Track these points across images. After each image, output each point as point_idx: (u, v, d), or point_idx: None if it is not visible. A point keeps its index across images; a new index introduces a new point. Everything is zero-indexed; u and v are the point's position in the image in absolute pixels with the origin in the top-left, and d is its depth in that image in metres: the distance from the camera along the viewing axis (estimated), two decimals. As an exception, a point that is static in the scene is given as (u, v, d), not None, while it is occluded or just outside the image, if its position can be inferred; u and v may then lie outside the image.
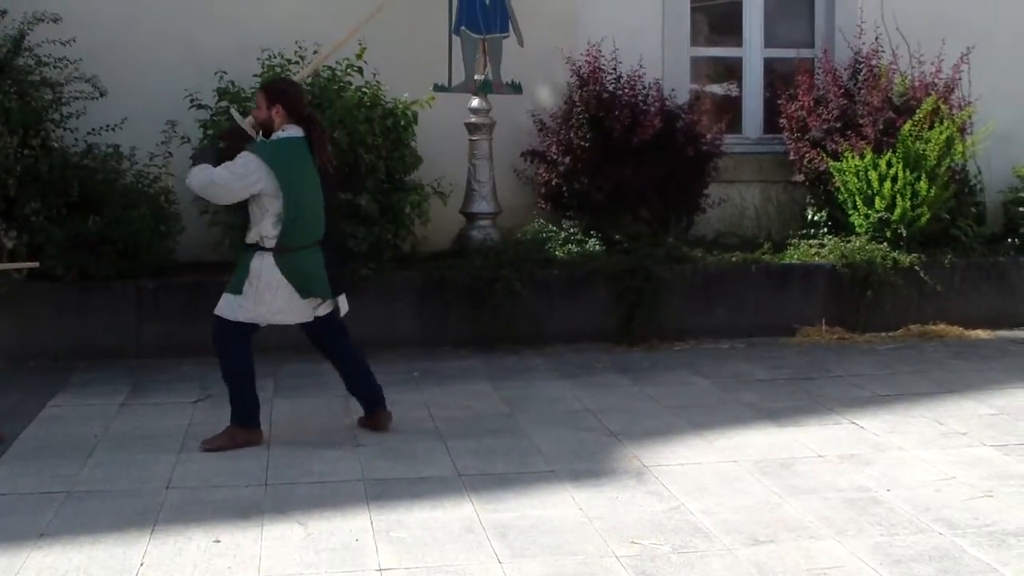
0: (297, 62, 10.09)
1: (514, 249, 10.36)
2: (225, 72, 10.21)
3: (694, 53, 12.30)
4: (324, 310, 7.52)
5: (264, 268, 7.25)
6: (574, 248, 10.64)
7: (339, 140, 9.52)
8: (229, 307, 7.36)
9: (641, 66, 11.15)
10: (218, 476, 6.80)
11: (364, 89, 10.16)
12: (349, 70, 10.26)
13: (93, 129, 10.23)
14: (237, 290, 7.32)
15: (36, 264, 8.84)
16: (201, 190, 7.33)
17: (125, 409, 8.35)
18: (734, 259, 10.76)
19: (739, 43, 12.45)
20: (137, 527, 6.01)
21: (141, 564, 5.55)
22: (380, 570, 5.47)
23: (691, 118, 11.13)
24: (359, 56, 10.20)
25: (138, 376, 9.26)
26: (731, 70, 12.67)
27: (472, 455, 7.16)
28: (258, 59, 10.21)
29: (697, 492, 6.50)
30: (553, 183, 11.04)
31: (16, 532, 5.96)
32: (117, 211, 9.75)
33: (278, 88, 7.45)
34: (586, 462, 7.03)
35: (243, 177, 7.17)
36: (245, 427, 7.46)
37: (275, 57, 10.23)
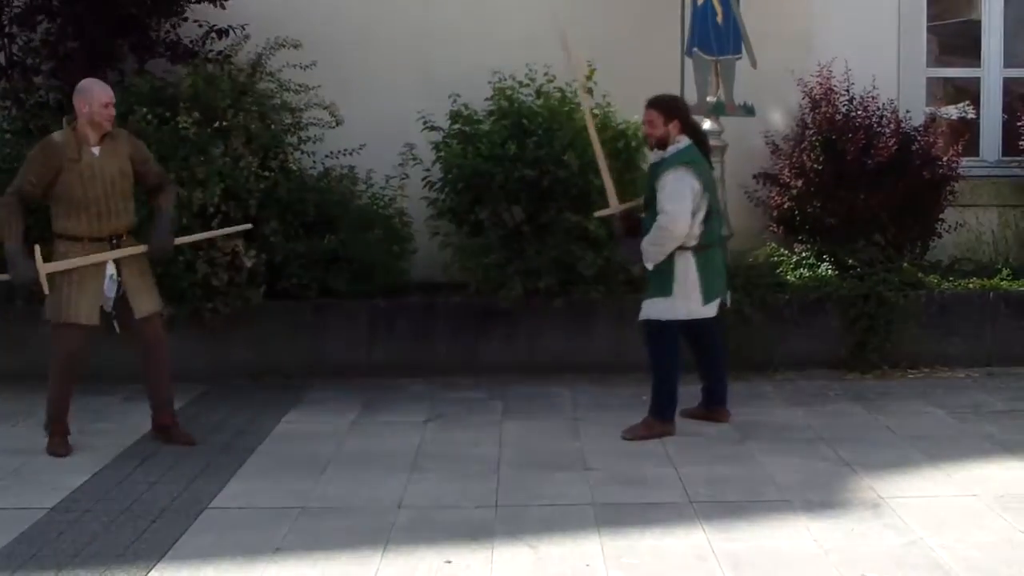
0: (527, 84, 10.16)
1: (745, 273, 10.17)
2: (458, 95, 10.30)
3: (930, 74, 11.99)
4: (716, 308, 8.19)
5: (688, 266, 7.91)
6: (806, 272, 10.46)
7: (569, 162, 9.54)
8: (661, 309, 8.01)
9: (875, 87, 10.89)
10: (449, 496, 6.86)
11: (594, 111, 10.13)
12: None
13: (330, 152, 10.44)
14: (667, 292, 7.96)
15: (250, 226, 9.00)
16: (665, 248, 7.87)
17: (356, 427, 8.49)
18: (971, 286, 10.44)
19: (976, 63, 12.09)
20: (369, 545, 6.09)
21: (374, 582, 5.63)
22: (612, 597, 5.45)
23: (927, 140, 10.77)
24: (589, 77, 10.16)
25: (369, 394, 9.40)
26: (964, 91, 12.33)
27: (703, 482, 7.07)
28: (489, 82, 10.27)
29: (936, 526, 6.30)
30: (785, 206, 10.84)
31: (253, 546, 6.11)
32: (352, 232, 9.93)
33: (673, 104, 8.15)
34: (820, 492, 6.88)
35: (688, 197, 7.78)
36: (663, 419, 8.08)
37: (506, 80, 10.27)
